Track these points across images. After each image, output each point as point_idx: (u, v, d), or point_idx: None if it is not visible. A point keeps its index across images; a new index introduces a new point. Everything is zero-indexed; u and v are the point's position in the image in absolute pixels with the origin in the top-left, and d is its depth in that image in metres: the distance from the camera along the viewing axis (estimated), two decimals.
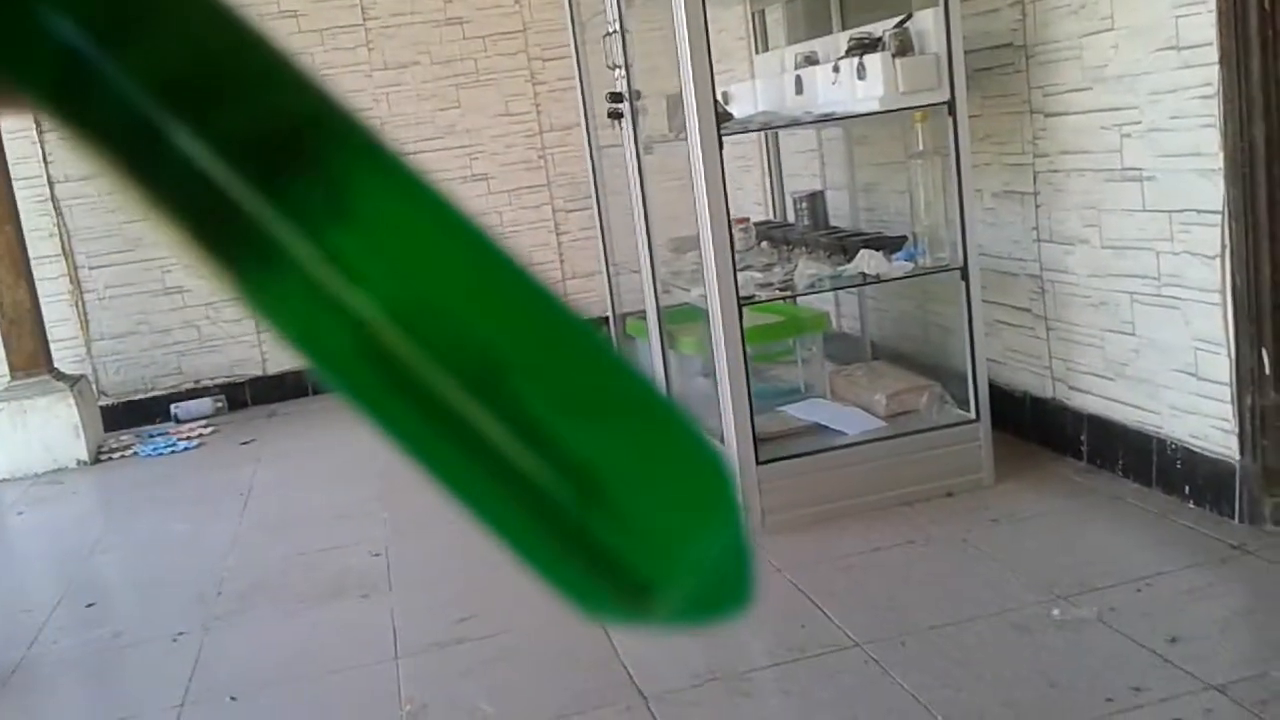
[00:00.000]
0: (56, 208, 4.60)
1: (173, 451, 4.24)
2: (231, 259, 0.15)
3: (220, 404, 4.74)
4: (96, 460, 4.22)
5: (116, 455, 4.26)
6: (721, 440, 2.71)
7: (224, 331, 4.81)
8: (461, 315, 0.15)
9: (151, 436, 4.44)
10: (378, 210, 0.15)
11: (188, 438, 4.38)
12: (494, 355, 0.14)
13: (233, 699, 2.17)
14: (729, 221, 2.57)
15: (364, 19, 4.80)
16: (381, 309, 0.14)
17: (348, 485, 3.51)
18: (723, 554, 0.15)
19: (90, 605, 2.77)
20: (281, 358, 4.86)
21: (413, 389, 0.14)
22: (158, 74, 0.15)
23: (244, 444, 4.24)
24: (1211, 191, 2.27)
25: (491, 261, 0.15)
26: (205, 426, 4.54)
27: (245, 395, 4.83)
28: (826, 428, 2.84)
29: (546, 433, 0.14)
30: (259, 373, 4.86)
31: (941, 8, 2.54)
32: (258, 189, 0.14)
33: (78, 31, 0.15)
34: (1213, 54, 2.19)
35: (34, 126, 4.53)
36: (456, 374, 0.14)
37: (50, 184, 4.58)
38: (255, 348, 4.84)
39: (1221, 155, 2.22)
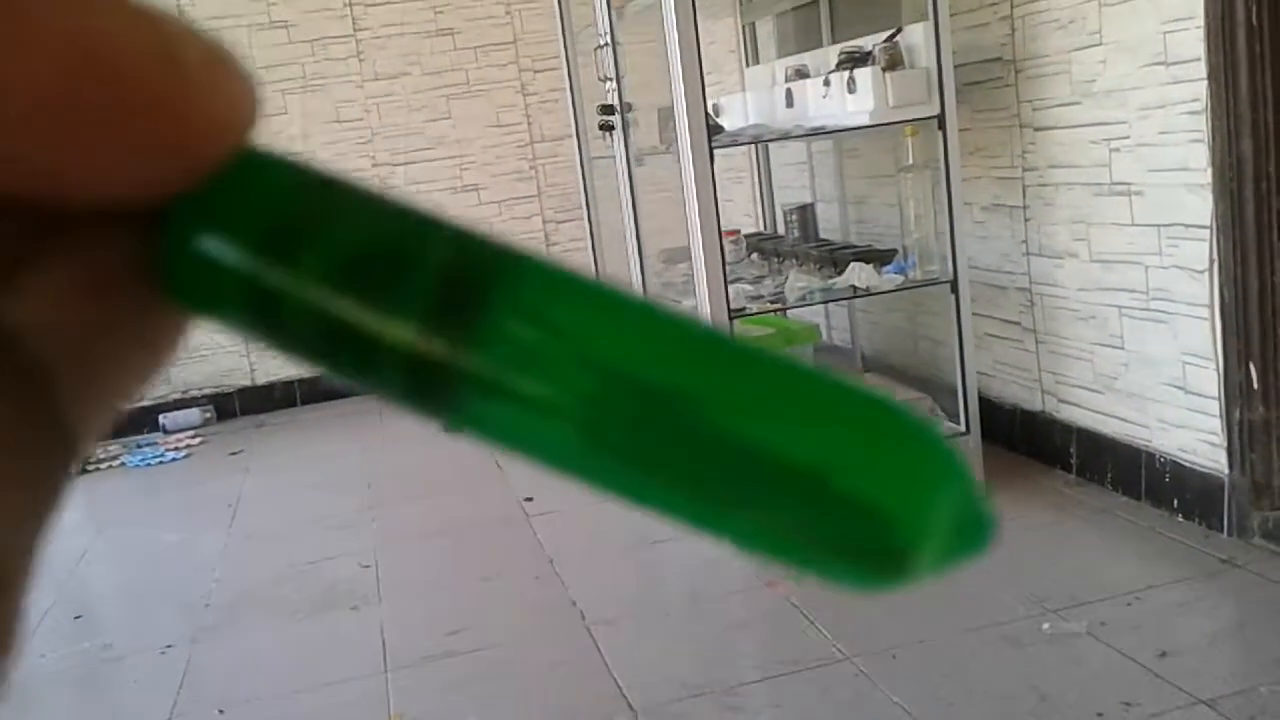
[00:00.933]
0: None
1: (161, 462, 4.22)
2: (446, 405, 0.17)
3: (209, 414, 4.72)
4: (84, 470, 4.19)
5: (104, 465, 4.24)
6: None
7: (212, 341, 4.80)
8: (658, 378, 0.16)
9: (139, 446, 4.42)
10: (553, 315, 0.16)
11: (176, 448, 4.36)
12: (697, 401, 0.16)
13: (221, 712, 2.15)
14: (720, 233, 2.57)
15: (355, 30, 4.80)
16: (590, 395, 0.16)
17: (337, 496, 3.50)
18: (957, 499, 0.16)
19: (78, 617, 2.75)
20: (270, 367, 4.85)
21: (640, 453, 0.16)
22: (333, 271, 0.16)
23: (233, 454, 4.22)
24: (1200, 206, 2.28)
25: (660, 322, 0.16)
26: (193, 437, 4.52)
27: (234, 405, 4.81)
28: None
29: (768, 451, 0.16)
30: (248, 383, 4.85)
31: (931, 22, 2.55)
32: (451, 339, 0.16)
33: (251, 258, 0.17)
34: (1201, 70, 2.21)
35: None
36: (671, 429, 0.16)
37: None
38: (244, 357, 4.82)
39: (1210, 170, 2.24)
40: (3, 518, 0.15)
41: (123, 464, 4.23)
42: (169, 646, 2.48)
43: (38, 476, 0.16)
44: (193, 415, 4.67)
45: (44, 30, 0.13)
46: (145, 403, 4.73)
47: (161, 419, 4.65)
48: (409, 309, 0.16)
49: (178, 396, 4.76)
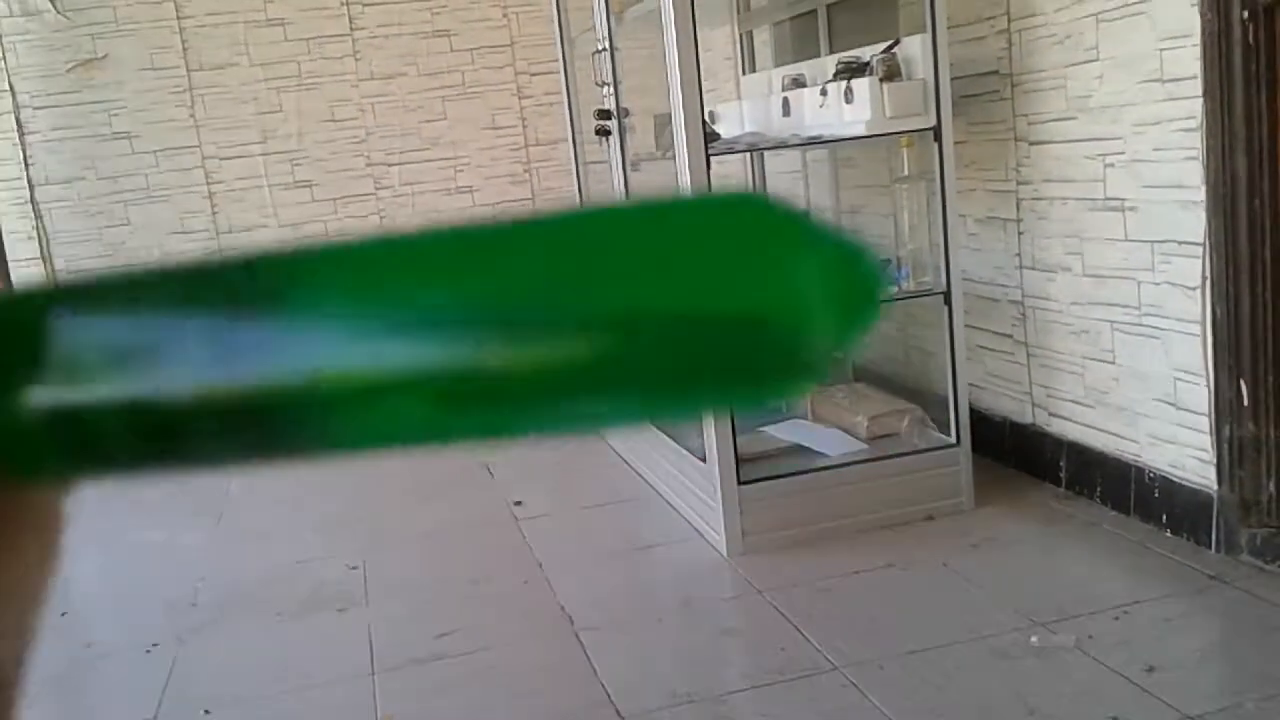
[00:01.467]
0: (36, 210, 4.56)
1: None
2: (296, 443, 0.17)
3: None
4: None
5: None
6: (704, 460, 2.71)
7: None
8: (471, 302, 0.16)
9: None
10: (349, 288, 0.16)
11: None
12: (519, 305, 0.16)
13: (206, 713, 2.14)
14: None
15: (352, 29, 4.80)
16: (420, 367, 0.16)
17: (325, 497, 3.49)
18: (820, 265, 0.16)
19: (62, 614, 2.73)
20: None
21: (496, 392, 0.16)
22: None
23: None
24: (1193, 223, 2.29)
25: (467, 238, 0.17)
26: None
27: None
28: (808, 449, 2.84)
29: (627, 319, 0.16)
30: None
31: (929, 34, 2.56)
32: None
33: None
34: (1197, 87, 2.22)
35: (15, 129, 4.50)
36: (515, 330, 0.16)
37: (30, 186, 4.55)
38: None
39: (1204, 187, 2.25)
40: None
41: None
42: (154, 646, 2.47)
43: None
44: None
45: None
46: None
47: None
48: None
49: None
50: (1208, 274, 2.28)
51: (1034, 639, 2.08)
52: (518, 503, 3.19)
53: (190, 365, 0.17)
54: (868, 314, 0.16)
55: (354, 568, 2.83)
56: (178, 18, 4.59)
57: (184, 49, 4.60)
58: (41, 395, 0.18)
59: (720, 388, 0.16)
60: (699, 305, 0.16)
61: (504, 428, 0.17)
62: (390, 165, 4.88)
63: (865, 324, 0.17)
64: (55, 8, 4.47)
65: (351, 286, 0.16)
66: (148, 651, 2.45)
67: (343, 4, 4.78)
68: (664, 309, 0.16)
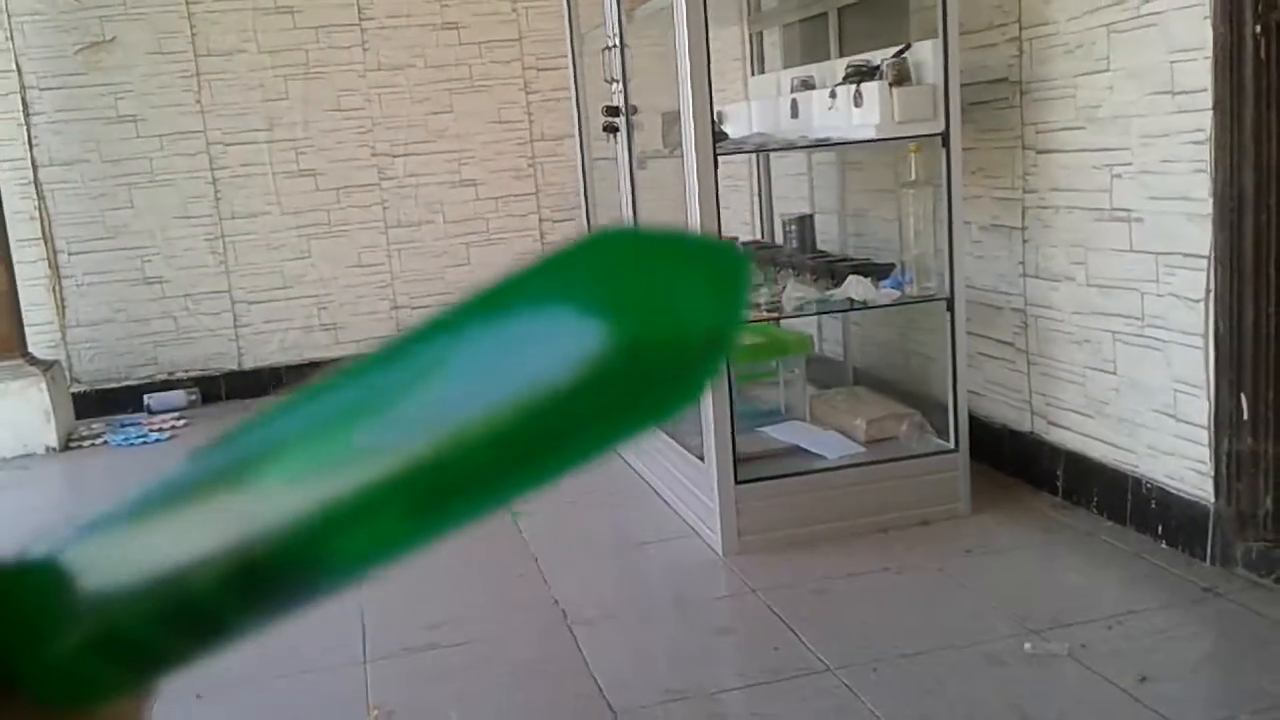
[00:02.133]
0: (39, 191, 4.55)
1: (144, 442, 4.20)
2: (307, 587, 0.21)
3: (194, 396, 4.70)
4: (66, 447, 4.17)
5: (86, 443, 4.22)
6: (701, 459, 2.71)
7: (201, 324, 4.78)
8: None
9: (123, 426, 4.40)
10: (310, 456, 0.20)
11: (159, 429, 4.34)
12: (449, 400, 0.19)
13: (198, 697, 2.14)
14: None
15: (360, 19, 4.79)
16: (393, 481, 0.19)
17: None
18: (680, 281, 0.17)
19: None
20: (259, 353, 4.83)
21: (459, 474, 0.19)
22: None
23: None
24: (1199, 236, 2.29)
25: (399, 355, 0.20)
26: (178, 418, 4.50)
27: (220, 389, 4.79)
28: (806, 451, 2.84)
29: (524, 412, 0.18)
30: (234, 367, 4.83)
31: (940, 40, 2.56)
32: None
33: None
34: (1207, 100, 2.22)
35: (21, 109, 4.50)
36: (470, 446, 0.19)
37: (34, 167, 4.54)
38: (232, 341, 4.80)
39: (1210, 201, 2.25)
40: None
41: (105, 442, 4.21)
42: None
43: None
44: (178, 397, 4.65)
45: None
46: (131, 382, 4.71)
47: (146, 399, 4.62)
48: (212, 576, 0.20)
49: (164, 377, 4.74)
50: (1212, 287, 2.28)
51: (1028, 646, 2.08)
52: None
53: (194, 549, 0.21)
54: (736, 300, 0.17)
55: None
56: (186, 3, 4.58)
57: (192, 34, 4.59)
58: (73, 631, 0.20)
59: (620, 421, 0.18)
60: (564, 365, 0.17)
61: (469, 509, 0.20)
62: (395, 156, 4.88)
63: (735, 314, 0.18)
64: None
65: (308, 443, 0.20)
66: None
67: None
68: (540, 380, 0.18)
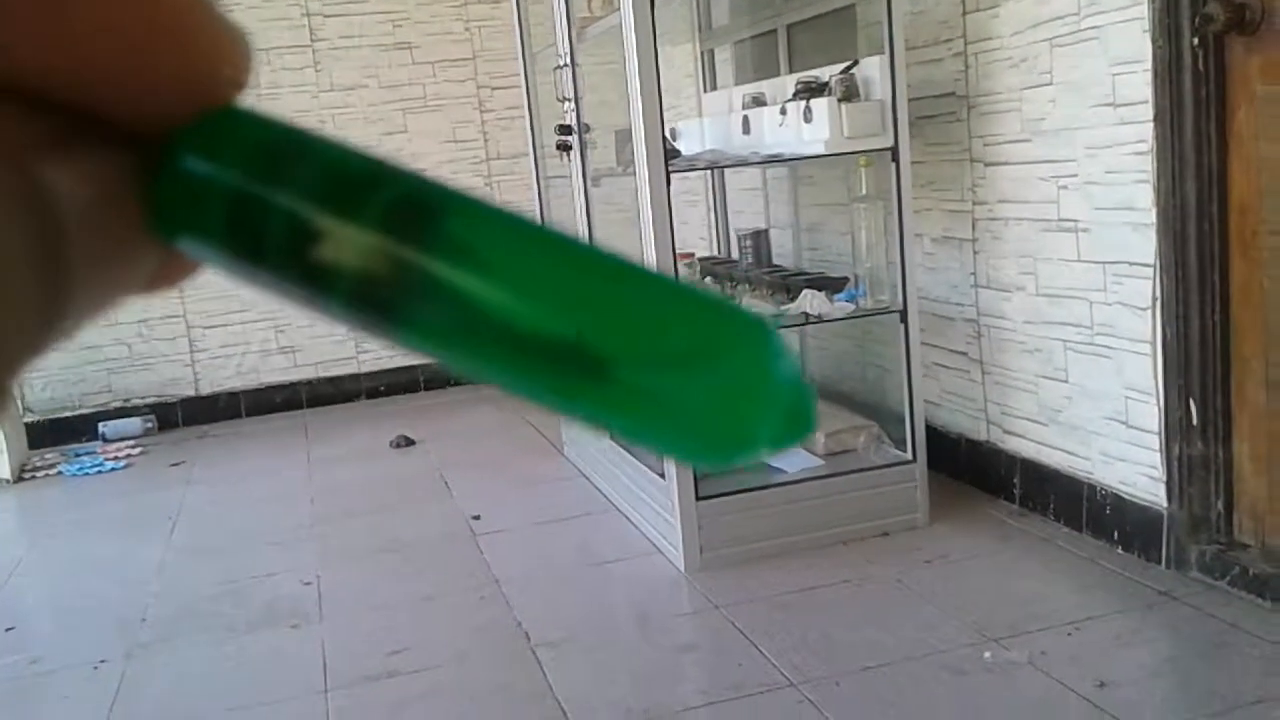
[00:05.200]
0: None
1: (99, 471, 4.14)
2: (388, 310, 0.20)
3: (150, 424, 4.64)
4: (19, 479, 4.11)
5: (40, 474, 4.15)
6: (662, 475, 2.71)
7: (155, 350, 4.72)
8: (566, 295, 0.19)
9: (78, 455, 4.34)
10: (490, 239, 0.20)
11: (115, 458, 4.28)
12: (587, 314, 0.19)
13: None
14: (675, 256, 2.58)
15: (312, 40, 4.77)
16: (513, 304, 0.19)
17: (280, 511, 3.45)
18: (786, 387, 0.20)
19: (9, 629, 2.68)
20: (215, 378, 4.78)
21: (548, 356, 0.19)
22: (304, 192, 0.20)
23: (174, 466, 4.15)
24: (1144, 245, 2.33)
25: (556, 247, 0.20)
26: (134, 447, 4.44)
27: (176, 415, 4.74)
28: (766, 465, 2.85)
29: (639, 346, 0.19)
30: (191, 393, 4.78)
31: (887, 56, 2.59)
32: (408, 249, 0.19)
33: (235, 176, 0.20)
34: (1148, 112, 2.26)
35: None
36: (569, 342, 0.19)
37: None
38: (188, 367, 4.75)
39: (1154, 210, 2.29)
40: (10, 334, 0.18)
41: (60, 473, 4.15)
42: (102, 662, 2.43)
43: (36, 315, 0.19)
44: (134, 424, 4.59)
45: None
46: (85, 410, 4.64)
47: (101, 427, 4.56)
48: (370, 222, 0.19)
49: (119, 405, 4.68)
50: (1158, 295, 2.32)
51: (987, 655, 2.09)
52: (475, 517, 3.18)
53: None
54: (802, 433, 0.20)
55: (308, 583, 2.80)
56: None
57: None
58: (213, 168, 0.20)
59: (679, 444, 0.20)
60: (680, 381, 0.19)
61: (528, 391, 0.20)
62: None
63: (798, 440, 0.20)
64: None
65: (490, 248, 0.20)
66: (95, 668, 2.40)
67: (304, 15, 4.75)
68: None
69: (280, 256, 0.20)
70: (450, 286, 0.19)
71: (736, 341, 0.20)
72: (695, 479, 2.62)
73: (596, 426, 0.20)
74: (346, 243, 0.19)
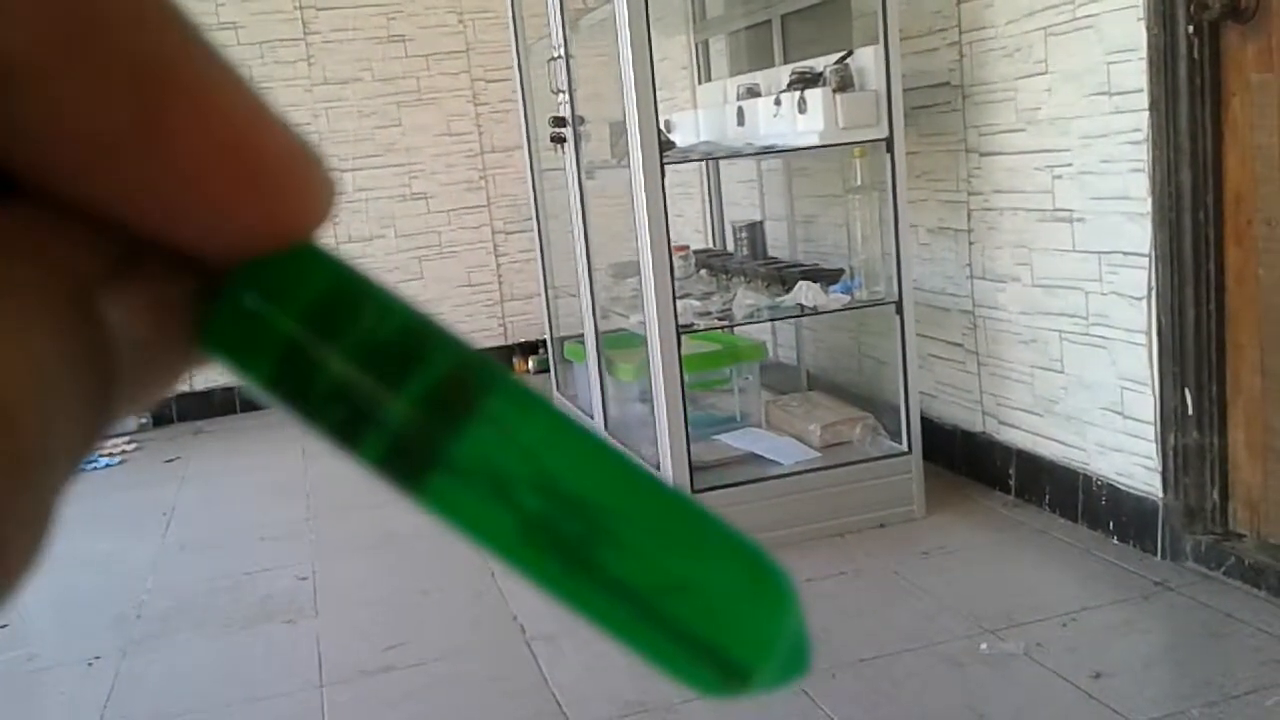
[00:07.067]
0: None
1: (93, 467, 4.13)
2: (413, 478, 0.20)
3: (144, 419, 4.63)
4: None
5: None
6: (657, 467, 2.70)
7: None
8: (586, 496, 0.20)
9: None
10: (522, 431, 0.20)
11: (109, 453, 4.27)
12: (606, 519, 0.20)
13: None
14: (669, 249, 2.57)
15: (305, 33, 4.75)
16: (535, 501, 0.20)
17: (274, 506, 3.44)
18: (792, 632, 0.21)
19: (3, 626, 2.68)
20: (210, 374, 4.76)
21: (560, 551, 0.20)
22: (356, 355, 0.20)
23: (168, 461, 4.14)
24: (1139, 234, 2.32)
25: (604, 455, 0.20)
26: (128, 442, 4.43)
27: (171, 411, 4.73)
28: (761, 457, 2.85)
29: (652, 566, 0.20)
30: (186, 388, 4.76)
31: (881, 46, 2.58)
32: (439, 430, 0.20)
33: (290, 323, 0.20)
34: (1143, 101, 2.26)
35: None
36: (584, 539, 0.20)
37: None
38: None
39: (1149, 199, 2.28)
40: (58, 457, 0.18)
41: None
42: (97, 658, 2.42)
43: (75, 445, 0.18)
44: (128, 420, 4.58)
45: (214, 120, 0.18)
46: None
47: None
48: (411, 395, 0.20)
49: None
50: (1153, 284, 2.31)
51: (983, 646, 2.09)
52: None
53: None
54: (796, 675, 0.21)
55: (303, 578, 2.80)
56: None
57: None
58: (272, 309, 0.20)
59: (678, 666, 0.20)
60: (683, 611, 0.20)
61: (543, 582, 0.20)
62: (344, 171, 4.84)
63: (786, 685, 0.21)
64: None
65: (526, 438, 0.20)
66: (90, 664, 2.40)
67: (296, 8, 4.73)
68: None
69: (319, 407, 0.21)
70: (478, 469, 0.20)
71: (752, 582, 0.20)
72: (691, 471, 2.62)
73: (596, 625, 0.20)
74: (384, 411, 0.20)
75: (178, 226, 0.18)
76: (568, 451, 0.20)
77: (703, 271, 3.35)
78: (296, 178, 0.19)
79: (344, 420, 0.20)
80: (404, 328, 0.20)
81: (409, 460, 0.20)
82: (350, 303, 0.21)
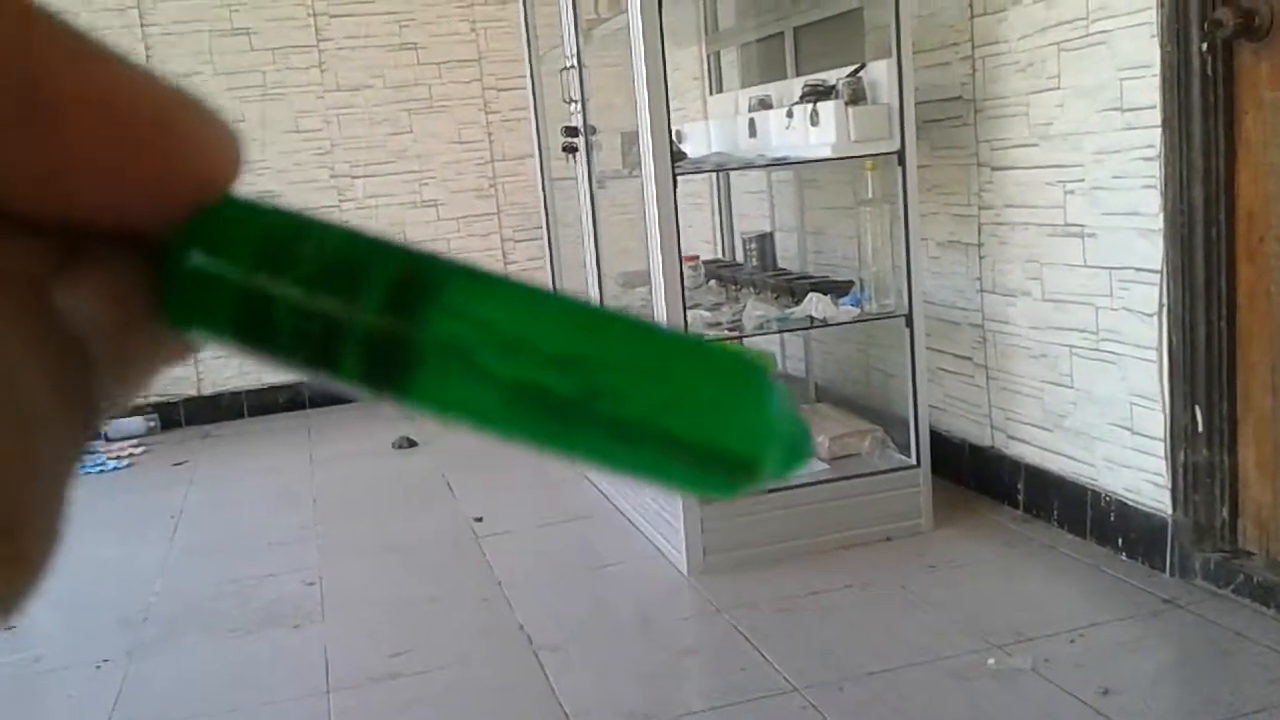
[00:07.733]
0: None
1: (101, 471, 4.14)
2: (395, 381, 0.21)
3: (153, 423, 4.64)
4: None
5: None
6: None
7: None
8: (558, 350, 0.20)
9: None
10: (483, 308, 0.21)
11: (118, 457, 4.28)
12: (583, 367, 0.20)
13: None
14: (680, 259, 2.58)
15: (318, 40, 4.77)
16: (511, 368, 0.20)
17: (282, 511, 3.45)
18: (784, 420, 0.21)
19: (10, 628, 2.68)
20: (217, 378, 4.78)
21: (550, 408, 0.20)
22: (309, 281, 0.21)
23: (176, 465, 4.15)
24: (1151, 250, 2.32)
25: (564, 308, 0.21)
26: (136, 446, 4.44)
27: (179, 415, 4.74)
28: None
29: (638, 396, 0.20)
30: (194, 392, 4.78)
31: (894, 59, 2.59)
32: (407, 327, 0.20)
33: (237, 269, 0.21)
34: (1156, 117, 2.26)
35: None
36: (574, 390, 0.20)
37: None
38: (191, 366, 4.75)
39: (1161, 216, 2.28)
40: (42, 468, 0.18)
41: None
42: (105, 661, 2.43)
43: (71, 436, 0.19)
44: (136, 424, 4.59)
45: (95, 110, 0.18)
46: None
47: (104, 426, 4.56)
48: (372, 302, 0.20)
49: None
50: (1164, 301, 2.31)
51: (991, 661, 2.09)
52: (478, 519, 3.17)
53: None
54: (800, 462, 0.21)
55: (310, 584, 2.80)
56: (142, 25, 4.55)
57: (148, 57, 4.55)
58: (217, 263, 0.21)
59: (686, 478, 0.21)
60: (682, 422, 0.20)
61: (545, 443, 0.21)
62: (355, 178, 4.86)
63: (796, 468, 0.21)
64: None
65: (488, 315, 0.21)
66: (98, 668, 2.40)
67: (310, 15, 4.75)
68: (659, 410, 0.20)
69: (288, 342, 0.21)
70: (452, 352, 0.20)
71: (735, 381, 0.21)
72: None
73: (601, 467, 0.21)
74: (350, 325, 0.20)
75: (83, 195, 0.19)
76: (530, 315, 0.21)
77: (712, 282, 3.35)
78: (181, 131, 0.20)
79: (316, 347, 0.21)
80: (346, 245, 0.21)
81: (388, 365, 0.21)
82: (288, 237, 0.21)
